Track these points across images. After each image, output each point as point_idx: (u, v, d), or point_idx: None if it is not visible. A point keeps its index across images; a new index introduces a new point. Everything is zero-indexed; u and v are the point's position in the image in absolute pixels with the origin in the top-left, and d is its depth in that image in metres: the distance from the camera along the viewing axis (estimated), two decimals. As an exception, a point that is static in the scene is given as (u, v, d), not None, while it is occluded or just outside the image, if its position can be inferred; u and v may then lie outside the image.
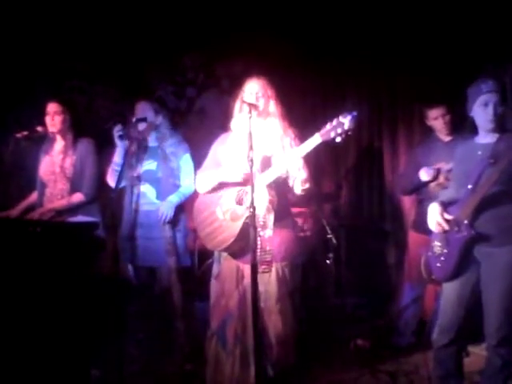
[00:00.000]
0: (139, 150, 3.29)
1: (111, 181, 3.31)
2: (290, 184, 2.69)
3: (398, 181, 3.74)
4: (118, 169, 3.17)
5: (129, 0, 4.04)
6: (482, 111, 2.49)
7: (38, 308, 2.65)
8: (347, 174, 4.45)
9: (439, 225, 2.54)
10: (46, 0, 3.90)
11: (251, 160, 2.34)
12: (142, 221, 3.25)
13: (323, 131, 2.43)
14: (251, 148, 2.35)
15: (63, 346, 2.68)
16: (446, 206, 2.58)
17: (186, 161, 3.27)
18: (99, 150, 3.42)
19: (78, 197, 3.29)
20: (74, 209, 3.27)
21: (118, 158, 3.25)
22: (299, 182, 2.64)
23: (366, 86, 4.34)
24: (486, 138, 2.54)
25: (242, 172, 2.60)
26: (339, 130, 2.38)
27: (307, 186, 2.64)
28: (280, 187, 2.66)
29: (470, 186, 2.47)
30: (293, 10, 4.08)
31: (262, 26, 4.19)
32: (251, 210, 2.32)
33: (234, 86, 4.57)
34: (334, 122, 2.40)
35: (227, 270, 2.72)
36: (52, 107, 3.32)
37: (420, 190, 3.47)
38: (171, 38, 4.32)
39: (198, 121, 4.62)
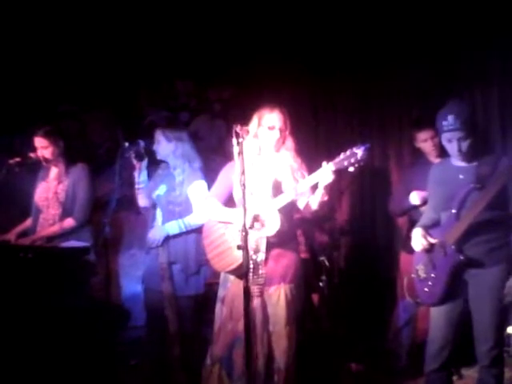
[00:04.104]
0: (161, 173, 3.35)
1: (140, 201, 3.36)
2: (303, 203, 2.72)
3: (390, 203, 3.76)
4: (142, 186, 3.30)
5: (121, 25, 4.08)
6: (447, 145, 2.52)
7: (28, 333, 2.63)
8: (340, 196, 4.46)
9: (423, 246, 2.56)
10: (37, 24, 3.93)
11: (243, 184, 2.37)
12: None
13: (337, 160, 2.52)
14: (243, 173, 2.38)
15: (54, 372, 2.65)
16: (427, 228, 2.60)
17: (196, 189, 3.19)
18: (92, 174, 3.45)
19: (68, 222, 3.31)
20: (66, 234, 3.28)
21: (138, 177, 3.30)
22: (319, 195, 2.63)
23: (356, 107, 4.39)
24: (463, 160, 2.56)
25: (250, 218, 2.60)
26: (352, 160, 2.47)
27: (326, 198, 2.65)
28: (287, 210, 2.71)
29: (453, 211, 2.47)
30: (283, 35, 4.15)
31: (253, 50, 4.26)
32: (243, 233, 2.33)
33: (226, 110, 4.67)
34: (348, 153, 2.49)
35: (235, 293, 2.70)
36: (38, 142, 3.33)
37: (411, 212, 3.49)
38: (163, 63, 4.37)
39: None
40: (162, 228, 3.19)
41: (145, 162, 3.27)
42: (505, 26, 3.47)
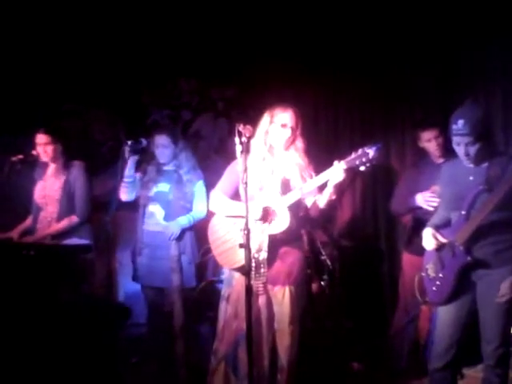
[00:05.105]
0: (157, 172, 3.40)
1: (124, 195, 3.37)
2: (310, 202, 2.75)
3: (392, 202, 3.75)
4: (129, 180, 3.32)
5: (125, 24, 4.09)
6: (456, 148, 2.52)
7: (31, 330, 2.64)
8: (341, 195, 4.46)
9: (434, 245, 2.57)
10: (42, 24, 3.94)
11: (245, 182, 2.41)
12: (148, 240, 3.34)
13: (348, 159, 2.52)
14: (245, 171, 2.41)
15: (55, 369, 2.66)
16: (438, 228, 2.61)
17: (199, 187, 3.39)
18: (93, 173, 3.45)
19: (73, 219, 3.32)
20: (68, 231, 3.29)
21: (128, 171, 3.33)
22: (328, 194, 2.66)
23: (359, 107, 4.39)
24: None
25: (259, 210, 2.67)
26: (364, 159, 2.48)
27: (334, 197, 2.68)
28: (295, 208, 2.72)
29: (463, 212, 2.48)
30: (286, 35, 4.15)
31: (256, 49, 4.26)
32: (245, 232, 2.35)
33: (229, 109, 4.68)
34: (359, 152, 2.50)
35: (241, 291, 2.68)
36: (41, 139, 3.34)
37: (415, 211, 3.48)
38: (167, 62, 4.38)
39: (193, 144, 4.65)
40: (176, 222, 3.29)
41: (136, 158, 3.30)
42: (505, 26, 3.47)
